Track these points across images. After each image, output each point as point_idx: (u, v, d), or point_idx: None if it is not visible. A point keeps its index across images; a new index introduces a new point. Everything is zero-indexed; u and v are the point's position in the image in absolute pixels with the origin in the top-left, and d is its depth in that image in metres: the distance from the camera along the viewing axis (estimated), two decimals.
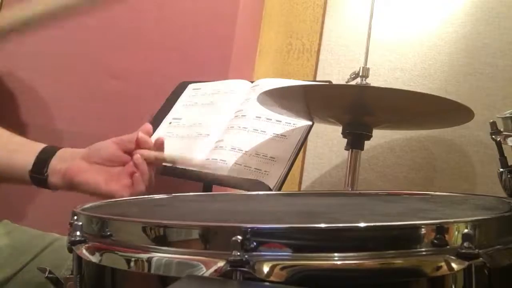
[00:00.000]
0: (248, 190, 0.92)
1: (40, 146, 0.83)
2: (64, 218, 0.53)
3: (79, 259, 0.48)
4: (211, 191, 1.10)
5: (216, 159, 1.00)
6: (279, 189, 0.90)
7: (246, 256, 0.38)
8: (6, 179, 0.86)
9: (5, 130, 0.86)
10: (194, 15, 1.37)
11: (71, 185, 0.80)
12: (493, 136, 0.74)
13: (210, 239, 0.41)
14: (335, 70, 1.46)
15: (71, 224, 0.49)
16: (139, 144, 0.82)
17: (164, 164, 0.88)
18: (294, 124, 1.02)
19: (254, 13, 1.46)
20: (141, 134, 0.82)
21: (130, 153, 0.82)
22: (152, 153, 0.82)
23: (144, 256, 0.42)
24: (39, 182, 0.81)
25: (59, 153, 0.82)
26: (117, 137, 0.83)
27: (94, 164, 0.81)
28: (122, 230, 0.46)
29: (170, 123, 1.18)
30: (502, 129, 0.73)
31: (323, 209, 0.63)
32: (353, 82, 1.17)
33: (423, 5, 1.38)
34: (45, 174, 0.80)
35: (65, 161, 0.81)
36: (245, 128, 1.04)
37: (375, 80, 1.31)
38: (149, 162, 0.81)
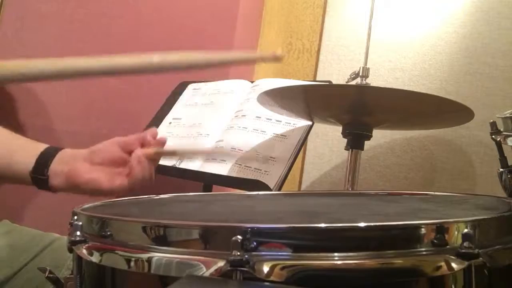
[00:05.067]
0: (248, 190, 0.91)
1: (41, 147, 0.83)
2: (64, 218, 0.53)
3: (79, 259, 0.48)
4: (211, 191, 1.10)
5: (216, 159, 1.00)
6: (279, 189, 0.90)
7: (246, 256, 0.38)
8: (7, 180, 0.86)
9: (5, 129, 0.86)
10: (194, 15, 1.37)
11: (73, 187, 0.80)
12: (493, 136, 0.74)
13: (210, 239, 0.41)
14: (335, 70, 1.46)
15: (71, 224, 0.49)
16: (143, 145, 0.81)
17: (165, 157, 0.88)
18: (294, 124, 1.02)
19: (254, 13, 1.46)
20: (149, 137, 0.81)
21: (131, 153, 0.82)
22: (152, 149, 0.81)
23: (144, 256, 0.42)
24: (40, 184, 0.81)
25: (59, 154, 0.82)
26: (119, 137, 0.83)
27: (97, 165, 0.81)
28: (122, 230, 0.46)
29: (170, 123, 1.18)
30: (502, 129, 0.73)
31: (323, 209, 0.63)
32: (353, 82, 1.17)
33: (423, 5, 1.38)
34: (46, 176, 0.80)
35: (67, 163, 0.81)
36: (245, 128, 1.04)
37: (375, 80, 1.31)
38: (150, 159, 0.81)
